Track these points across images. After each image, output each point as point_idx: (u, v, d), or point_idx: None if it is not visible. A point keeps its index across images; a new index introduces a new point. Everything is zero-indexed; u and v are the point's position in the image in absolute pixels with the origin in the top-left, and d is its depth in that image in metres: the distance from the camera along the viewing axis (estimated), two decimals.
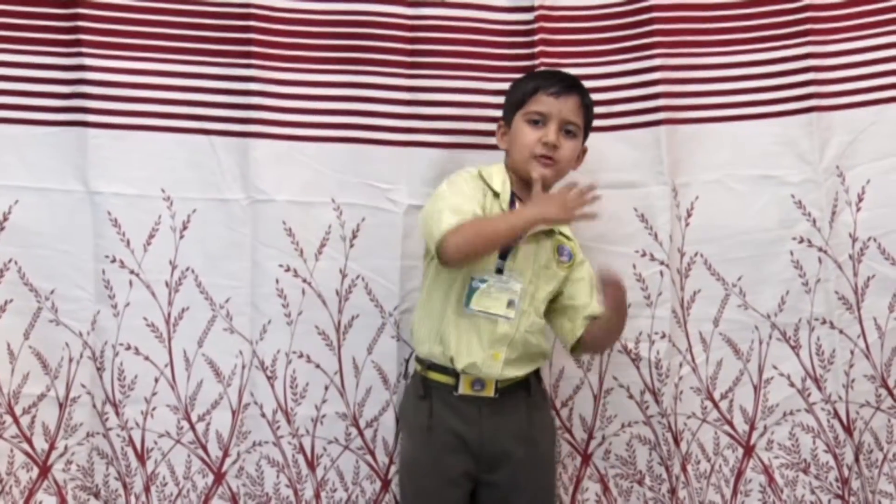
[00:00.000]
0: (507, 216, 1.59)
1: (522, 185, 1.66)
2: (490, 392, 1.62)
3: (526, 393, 1.66)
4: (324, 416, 1.89)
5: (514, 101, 1.68)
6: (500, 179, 1.66)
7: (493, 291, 1.59)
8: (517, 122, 1.65)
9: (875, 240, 1.87)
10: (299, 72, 1.86)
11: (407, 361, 1.88)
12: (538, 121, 1.63)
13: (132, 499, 1.91)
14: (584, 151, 1.72)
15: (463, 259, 1.53)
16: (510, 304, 1.60)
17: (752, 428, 1.92)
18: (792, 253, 1.87)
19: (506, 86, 1.85)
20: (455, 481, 1.63)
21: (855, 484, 1.92)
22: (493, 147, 1.85)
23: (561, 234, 1.70)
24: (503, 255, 1.61)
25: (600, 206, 1.83)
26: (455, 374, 1.62)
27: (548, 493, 1.70)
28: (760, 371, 1.91)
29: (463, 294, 1.59)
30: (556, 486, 1.77)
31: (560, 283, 1.68)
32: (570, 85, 1.65)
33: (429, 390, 1.65)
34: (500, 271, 1.61)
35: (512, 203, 1.64)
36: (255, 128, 1.84)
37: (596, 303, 1.66)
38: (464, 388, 1.62)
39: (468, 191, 1.61)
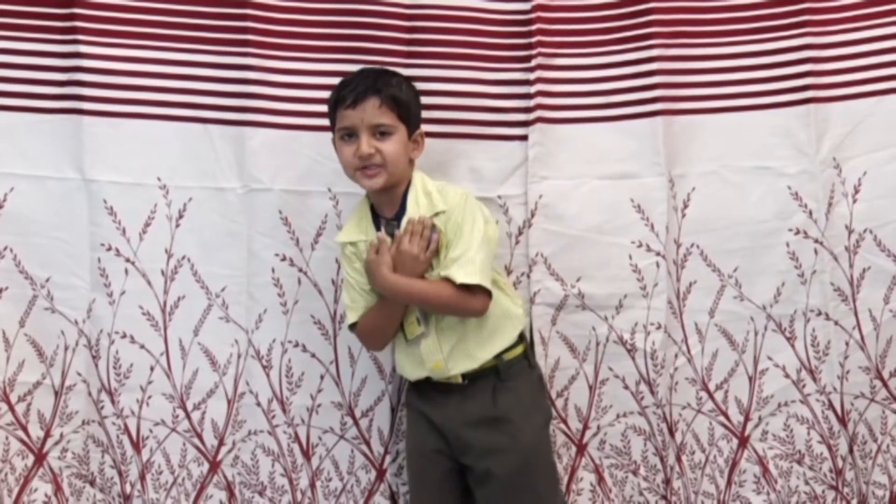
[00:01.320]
0: (380, 308, 1.66)
1: (375, 199, 1.69)
2: (457, 379, 1.66)
3: (496, 378, 1.66)
4: (319, 405, 1.89)
5: (330, 121, 1.68)
6: (354, 223, 1.71)
7: (408, 317, 1.66)
8: (336, 142, 1.66)
9: (871, 231, 1.87)
10: (296, 61, 1.85)
11: None
12: (350, 134, 1.62)
13: (127, 487, 1.91)
14: (421, 136, 1.69)
15: (380, 349, 1.78)
16: (418, 320, 1.65)
17: (747, 419, 1.92)
18: (788, 244, 1.87)
19: (503, 76, 1.87)
20: (429, 458, 1.69)
21: (849, 475, 1.92)
22: (490, 138, 1.86)
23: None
24: None
25: (597, 196, 1.86)
26: None
27: (531, 478, 1.66)
28: (755, 362, 1.91)
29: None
30: (544, 471, 1.70)
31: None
32: (364, 89, 1.60)
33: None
34: None
35: (377, 227, 1.67)
36: (251, 116, 1.84)
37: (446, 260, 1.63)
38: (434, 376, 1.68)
39: (349, 274, 1.70)
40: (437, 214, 1.64)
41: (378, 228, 1.67)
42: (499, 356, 1.66)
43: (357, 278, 1.68)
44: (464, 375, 1.65)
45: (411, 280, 1.61)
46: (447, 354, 1.64)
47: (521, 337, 1.73)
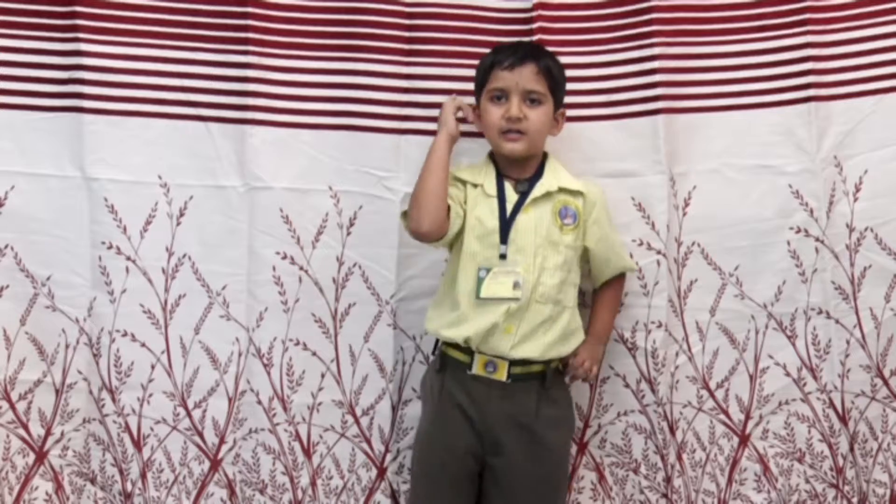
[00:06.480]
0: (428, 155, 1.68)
1: (506, 164, 1.71)
2: (502, 376, 1.63)
3: (540, 385, 1.66)
4: (320, 403, 1.89)
5: (478, 82, 1.72)
6: (476, 170, 1.72)
7: (498, 277, 1.63)
8: (483, 102, 1.70)
9: (872, 230, 1.87)
10: (297, 58, 1.85)
11: (402, 349, 1.89)
12: (500, 96, 1.66)
13: (128, 485, 1.91)
14: (562, 114, 1.74)
15: (421, 217, 1.62)
16: (516, 285, 1.62)
17: (748, 417, 1.92)
18: (789, 243, 1.87)
19: None
20: (459, 457, 1.66)
21: (849, 473, 1.92)
22: None
23: (563, 190, 1.70)
24: (504, 240, 1.64)
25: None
26: (471, 353, 1.65)
27: (551, 488, 1.68)
28: (756, 360, 1.91)
29: (475, 282, 1.64)
30: (563, 483, 1.76)
31: (580, 243, 1.71)
32: (524, 55, 1.66)
33: (445, 365, 1.69)
34: (503, 256, 1.64)
35: (500, 184, 1.69)
36: (252, 114, 1.83)
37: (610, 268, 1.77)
38: (477, 368, 1.65)
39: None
40: (570, 192, 1.70)
41: (501, 185, 1.69)
42: (548, 362, 1.66)
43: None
44: (509, 373, 1.64)
45: (604, 322, 1.79)
46: (528, 327, 1.63)
47: None
